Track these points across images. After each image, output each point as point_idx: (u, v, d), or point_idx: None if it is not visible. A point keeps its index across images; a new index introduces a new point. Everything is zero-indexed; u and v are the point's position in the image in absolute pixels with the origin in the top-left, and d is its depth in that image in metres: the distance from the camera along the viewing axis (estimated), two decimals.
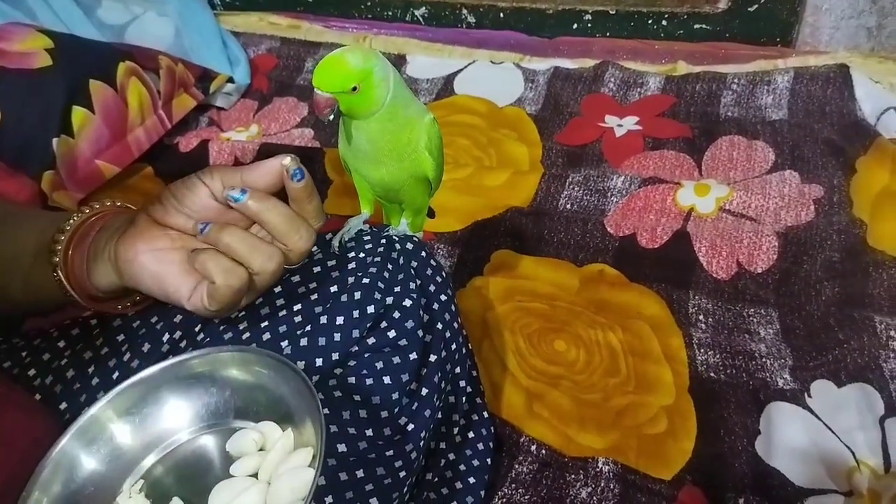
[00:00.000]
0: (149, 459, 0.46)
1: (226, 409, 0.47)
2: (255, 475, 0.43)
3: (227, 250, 0.46)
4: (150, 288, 0.49)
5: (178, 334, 0.56)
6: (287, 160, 0.48)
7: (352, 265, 0.59)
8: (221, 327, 0.56)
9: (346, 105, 0.53)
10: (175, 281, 0.48)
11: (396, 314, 0.56)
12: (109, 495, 0.43)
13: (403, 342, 0.55)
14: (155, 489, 0.44)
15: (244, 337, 0.55)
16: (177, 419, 0.47)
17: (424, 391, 0.55)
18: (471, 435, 0.61)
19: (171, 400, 0.46)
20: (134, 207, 0.56)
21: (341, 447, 0.50)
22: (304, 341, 0.54)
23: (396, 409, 0.53)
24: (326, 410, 0.50)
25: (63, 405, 0.54)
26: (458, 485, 0.58)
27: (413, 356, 0.55)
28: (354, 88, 0.52)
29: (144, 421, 0.46)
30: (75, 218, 0.53)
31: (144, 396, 0.46)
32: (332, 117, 0.53)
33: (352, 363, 0.54)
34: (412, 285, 0.57)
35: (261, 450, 0.44)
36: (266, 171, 0.48)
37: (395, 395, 0.53)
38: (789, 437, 0.66)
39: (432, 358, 0.56)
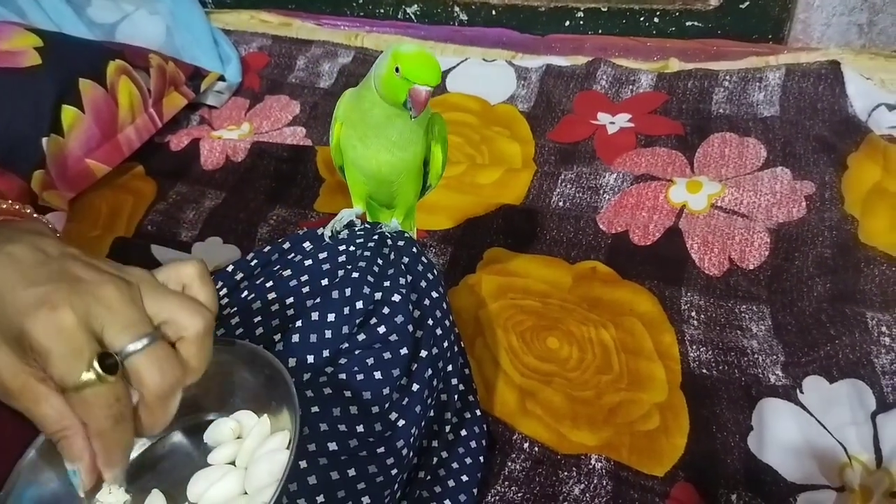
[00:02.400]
0: None
1: (202, 400, 0.47)
2: (234, 463, 0.43)
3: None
4: None
5: None
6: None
7: (342, 258, 0.59)
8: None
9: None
10: None
11: (386, 310, 0.56)
12: (89, 491, 0.43)
13: (394, 337, 0.55)
14: (135, 483, 0.44)
15: (237, 333, 0.56)
16: None
17: (415, 387, 0.55)
18: (463, 433, 0.61)
19: None
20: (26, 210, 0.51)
21: (332, 445, 0.49)
22: (295, 338, 0.54)
23: (387, 405, 0.53)
24: (316, 408, 0.50)
25: None
26: (451, 482, 0.58)
27: (404, 351, 0.55)
28: None
29: None
30: None
31: None
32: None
33: (342, 360, 0.54)
34: (402, 280, 0.57)
35: (238, 438, 0.45)
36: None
37: (386, 391, 0.53)
38: (781, 433, 0.66)
39: (423, 354, 0.56)
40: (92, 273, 0.38)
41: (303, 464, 0.48)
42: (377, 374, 0.53)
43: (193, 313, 0.39)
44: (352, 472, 0.49)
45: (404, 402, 0.54)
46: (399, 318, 0.55)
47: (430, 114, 0.61)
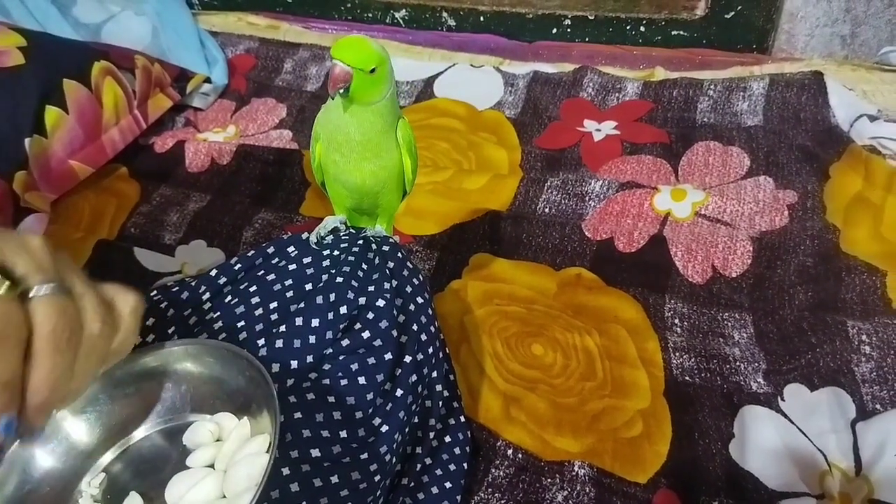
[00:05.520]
0: (106, 457, 0.45)
1: (182, 402, 0.47)
2: (213, 466, 0.43)
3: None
4: None
5: (150, 337, 0.55)
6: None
7: (326, 263, 0.59)
8: (196, 329, 0.56)
9: (358, 84, 0.54)
10: None
11: (370, 315, 0.56)
12: (66, 493, 0.43)
13: (378, 342, 0.55)
14: (113, 485, 0.44)
15: (220, 337, 0.55)
16: (133, 415, 0.46)
17: (399, 392, 0.55)
18: (447, 439, 0.61)
19: (126, 396, 0.46)
20: None
21: (315, 452, 0.49)
22: (279, 343, 0.54)
23: (371, 411, 0.53)
24: (299, 414, 0.50)
25: None
26: (435, 489, 0.58)
27: (388, 356, 0.54)
28: (373, 70, 0.53)
29: (100, 418, 0.45)
30: None
31: (98, 394, 0.45)
32: (341, 92, 0.54)
33: (326, 366, 0.53)
34: (387, 285, 0.57)
35: (217, 440, 0.44)
36: None
37: (370, 396, 0.53)
38: (763, 441, 0.66)
39: (407, 359, 0.56)
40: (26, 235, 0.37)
41: (285, 470, 0.47)
42: (361, 380, 0.53)
43: (60, 313, 0.34)
44: (335, 479, 0.49)
45: (388, 408, 0.54)
46: (383, 324, 0.55)
47: (399, 119, 0.60)
